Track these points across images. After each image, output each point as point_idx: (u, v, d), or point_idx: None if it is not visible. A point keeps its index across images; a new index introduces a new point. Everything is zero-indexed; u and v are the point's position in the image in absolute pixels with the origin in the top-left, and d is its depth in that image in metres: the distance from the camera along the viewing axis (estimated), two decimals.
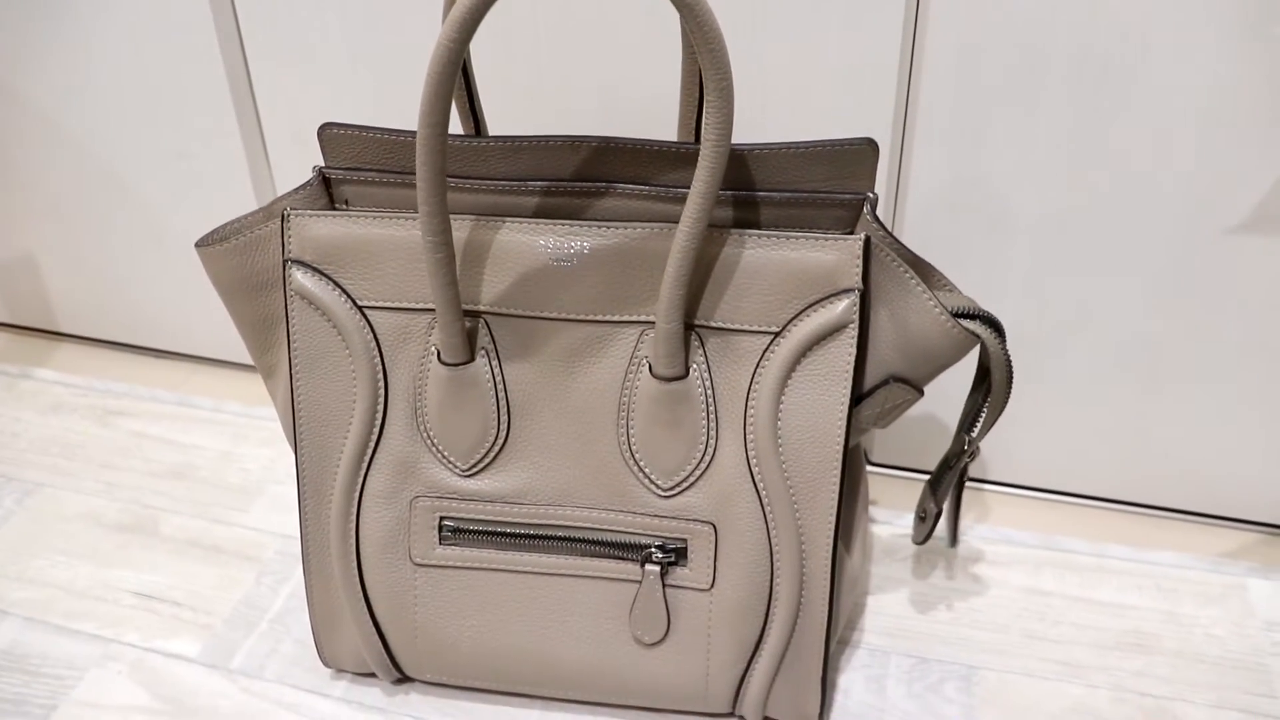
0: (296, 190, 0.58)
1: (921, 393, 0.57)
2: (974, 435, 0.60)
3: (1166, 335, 0.70)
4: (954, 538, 0.64)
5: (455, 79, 0.46)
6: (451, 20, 0.44)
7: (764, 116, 0.68)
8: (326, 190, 0.59)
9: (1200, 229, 0.66)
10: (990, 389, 0.58)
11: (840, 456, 0.54)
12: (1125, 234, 0.67)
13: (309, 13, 0.73)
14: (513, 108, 0.72)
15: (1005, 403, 0.57)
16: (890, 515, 0.76)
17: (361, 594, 0.60)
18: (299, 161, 0.80)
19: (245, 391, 0.91)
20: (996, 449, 0.77)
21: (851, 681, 0.64)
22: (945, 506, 0.63)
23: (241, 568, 0.74)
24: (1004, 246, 0.69)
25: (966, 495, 0.76)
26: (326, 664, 0.65)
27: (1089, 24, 0.61)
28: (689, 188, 0.51)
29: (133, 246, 0.89)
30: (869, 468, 0.78)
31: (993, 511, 0.77)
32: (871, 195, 0.55)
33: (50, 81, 0.83)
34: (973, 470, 0.79)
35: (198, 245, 0.59)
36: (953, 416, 0.77)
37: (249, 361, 0.93)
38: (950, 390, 0.67)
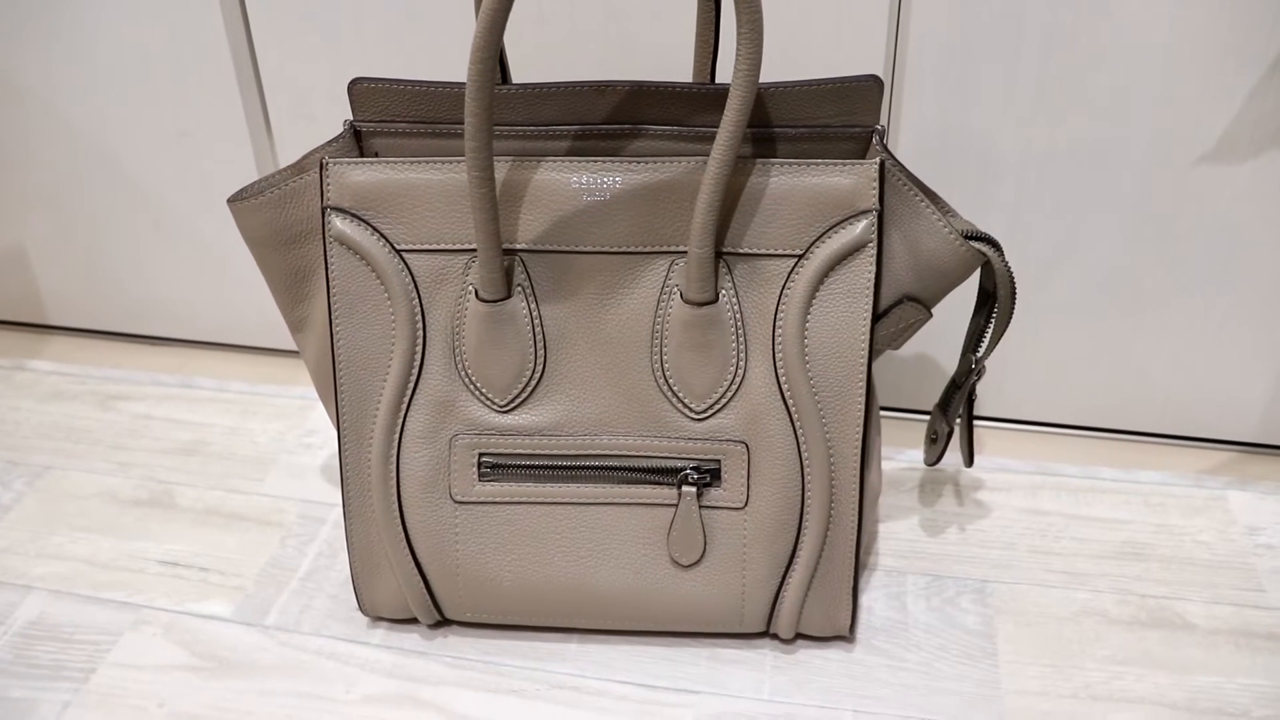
0: (328, 144, 0.60)
1: (931, 313, 0.61)
2: (980, 355, 0.63)
3: (1141, 267, 0.74)
4: (969, 458, 0.68)
5: (509, 12, 0.49)
6: None
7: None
8: (357, 143, 0.61)
9: (1169, 163, 0.70)
10: (992, 309, 0.62)
11: (865, 369, 0.58)
12: (1101, 171, 0.72)
13: None
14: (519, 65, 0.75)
15: (1010, 316, 0.61)
16: (892, 452, 0.80)
17: (403, 535, 0.61)
18: (303, 136, 0.81)
19: (248, 371, 0.92)
20: (987, 386, 0.81)
21: (873, 600, 0.68)
22: (957, 427, 0.66)
23: (264, 532, 0.75)
24: (989, 187, 0.74)
25: None
26: (366, 612, 0.66)
27: None
28: (716, 128, 0.54)
29: (130, 230, 0.90)
30: None
31: (987, 444, 0.81)
32: (880, 127, 0.59)
33: (44, 62, 0.83)
34: None
35: (230, 201, 0.61)
36: (942, 359, 0.81)
37: (250, 343, 0.94)
38: (941, 333, 0.71)
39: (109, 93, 0.83)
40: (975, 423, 0.82)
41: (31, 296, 0.96)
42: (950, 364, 0.74)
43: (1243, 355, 0.76)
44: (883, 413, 0.84)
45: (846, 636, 0.64)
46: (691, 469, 0.60)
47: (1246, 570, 0.69)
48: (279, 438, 0.84)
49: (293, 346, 0.93)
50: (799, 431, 0.58)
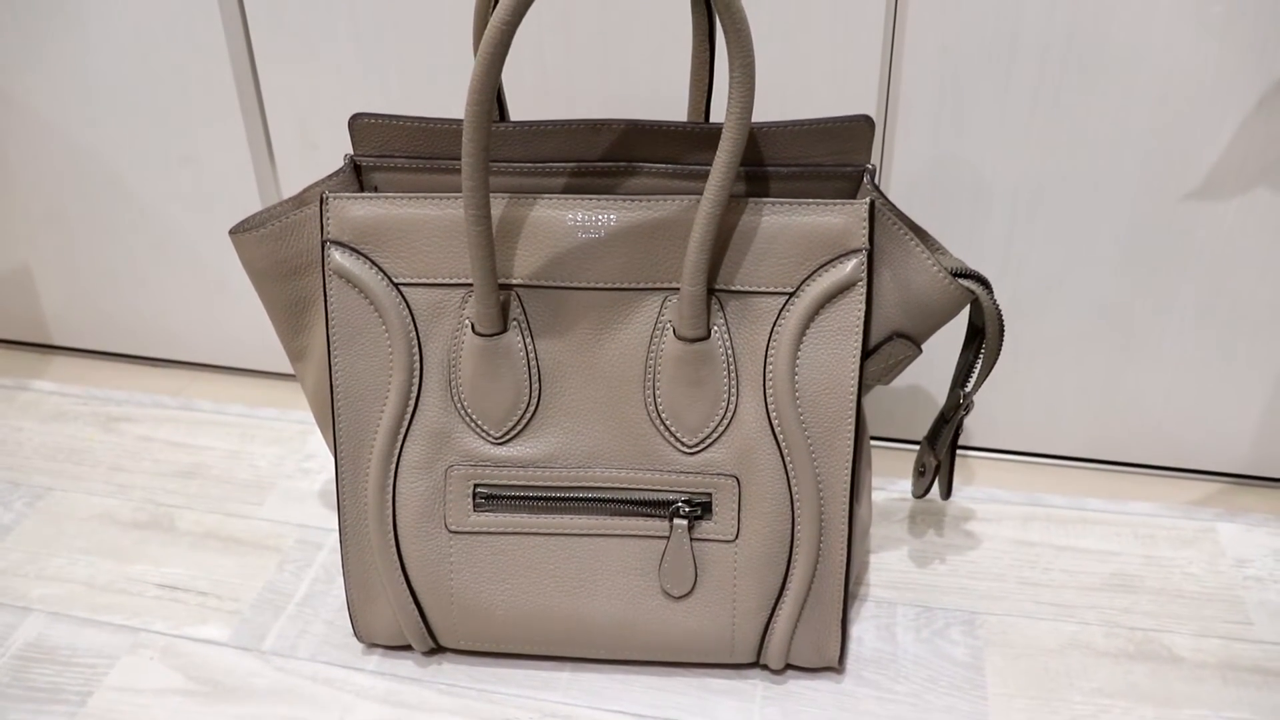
0: (328, 178, 0.61)
1: (920, 349, 0.61)
2: (968, 390, 0.64)
3: (1132, 299, 0.75)
4: (947, 491, 0.69)
5: (504, 59, 0.50)
6: (505, 3, 0.48)
7: (755, 112, 0.73)
8: (357, 178, 0.62)
9: (1159, 197, 0.71)
10: (980, 345, 0.63)
11: (854, 405, 0.58)
12: (1092, 204, 0.73)
13: (318, 14, 0.76)
14: (519, 105, 0.76)
15: (999, 353, 0.62)
16: (884, 482, 0.80)
17: (398, 564, 0.62)
18: (305, 165, 0.82)
19: (247, 395, 0.93)
20: (978, 416, 0.82)
21: (863, 631, 0.68)
22: (942, 459, 0.67)
23: (262, 557, 0.76)
24: (981, 219, 0.74)
25: None
26: (361, 638, 0.67)
27: (1055, 12, 0.67)
28: (710, 166, 0.55)
29: (133, 253, 0.91)
30: None
31: (977, 474, 0.82)
32: (870, 166, 0.60)
33: (49, 85, 0.84)
34: None
35: (232, 232, 0.62)
36: (935, 390, 0.81)
37: (250, 366, 0.95)
38: (934, 363, 0.72)
39: (114, 117, 0.84)
40: (964, 454, 0.83)
41: (35, 316, 0.97)
42: (944, 394, 0.75)
43: (1232, 386, 0.77)
44: (875, 442, 0.84)
45: (836, 667, 0.65)
46: (683, 502, 0.60)
47: (1234, 602, 0.70)
48: (278, 462, 0.85)
49: (292, 370, 0.94)
50: (789, 466, 0.59)
